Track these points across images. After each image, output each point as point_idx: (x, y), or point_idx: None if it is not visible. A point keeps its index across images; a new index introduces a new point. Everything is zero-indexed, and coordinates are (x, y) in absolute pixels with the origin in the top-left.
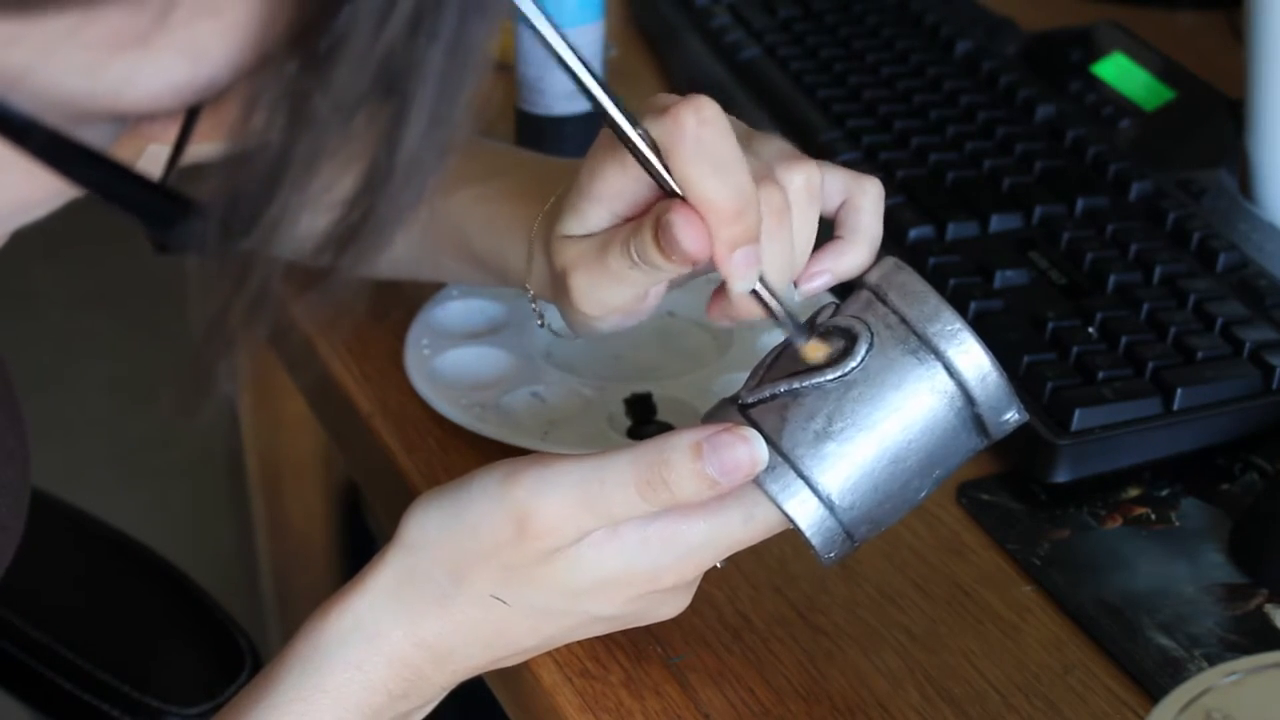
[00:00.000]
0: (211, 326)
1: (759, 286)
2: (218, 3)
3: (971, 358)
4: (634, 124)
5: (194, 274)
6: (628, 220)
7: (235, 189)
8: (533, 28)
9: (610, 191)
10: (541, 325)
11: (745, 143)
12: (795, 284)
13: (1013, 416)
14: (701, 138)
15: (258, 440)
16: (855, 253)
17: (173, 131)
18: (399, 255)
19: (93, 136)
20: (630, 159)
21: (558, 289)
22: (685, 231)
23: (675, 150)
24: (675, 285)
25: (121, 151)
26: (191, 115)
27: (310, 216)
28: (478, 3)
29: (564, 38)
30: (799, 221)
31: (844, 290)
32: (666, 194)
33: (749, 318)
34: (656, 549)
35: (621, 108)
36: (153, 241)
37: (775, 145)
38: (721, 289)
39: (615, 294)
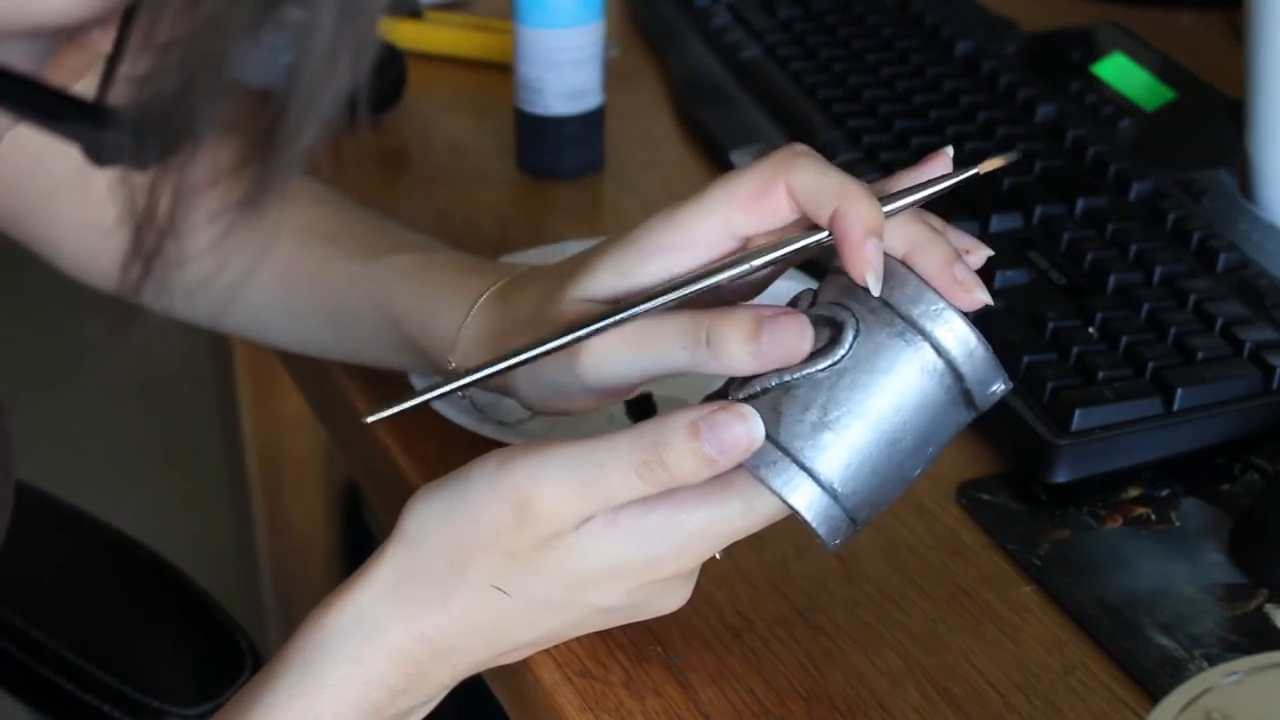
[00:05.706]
0: (132, 245)
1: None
2: None
3: (957, 334)
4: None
5: (114, 194)
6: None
7: (146, 93)
8: None
9: (680, 241)
10: (462, 398)
11: None
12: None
13: (999, 387)
14: (847, 184)
15: (258, 440)
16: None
17: (109, 41)
18: (302, 327)
19: (18, 53)
20: (703, 208)
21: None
22: (798, 329)
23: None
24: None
25: (66, 64)
26: (125, 26)
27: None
28: None
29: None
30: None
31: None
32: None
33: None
34: (656, 537)
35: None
36: (87, 155)
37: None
38: None
39: (629, 366)
